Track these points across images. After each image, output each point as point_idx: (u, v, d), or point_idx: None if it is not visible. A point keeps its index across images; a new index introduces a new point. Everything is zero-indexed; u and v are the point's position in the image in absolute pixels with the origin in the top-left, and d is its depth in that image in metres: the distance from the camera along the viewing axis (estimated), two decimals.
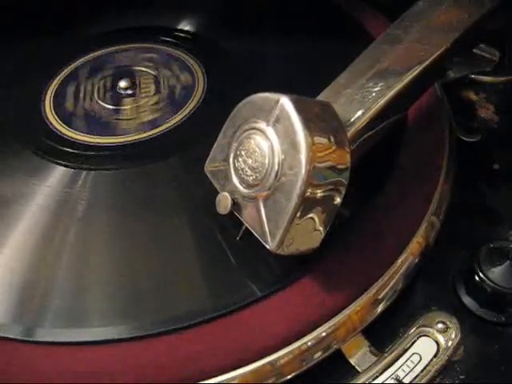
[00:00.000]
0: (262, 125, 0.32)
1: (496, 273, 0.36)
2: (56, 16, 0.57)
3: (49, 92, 0.48)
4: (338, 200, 0.32)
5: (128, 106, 0.46)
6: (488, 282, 0.36)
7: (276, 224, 0.31)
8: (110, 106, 0.46)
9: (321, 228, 0.32)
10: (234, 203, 0.34)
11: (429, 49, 0.37)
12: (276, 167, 0.31)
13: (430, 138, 0.42)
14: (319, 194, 0.31)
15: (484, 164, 0.45)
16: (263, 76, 0.47)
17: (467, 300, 0.37)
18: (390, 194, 0.39)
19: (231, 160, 0.34)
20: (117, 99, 0.46)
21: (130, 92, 0.47)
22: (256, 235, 0.33)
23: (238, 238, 0.36)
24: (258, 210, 0.32)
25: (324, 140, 0.31)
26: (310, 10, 0.53)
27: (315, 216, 0.31)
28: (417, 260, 0.37)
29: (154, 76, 0.48)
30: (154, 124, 0.44)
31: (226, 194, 0.34)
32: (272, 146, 0.31)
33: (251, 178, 0.32)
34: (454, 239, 0.40)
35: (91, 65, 0.50)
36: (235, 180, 0.34)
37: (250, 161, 0.33)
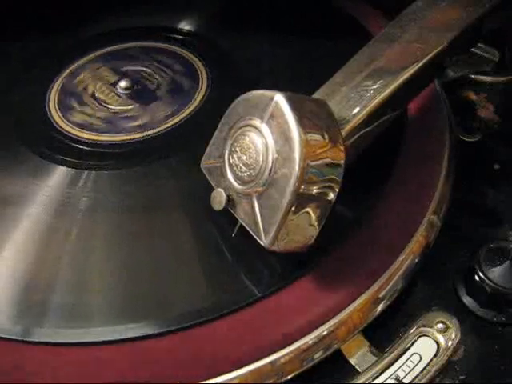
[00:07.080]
0: (256, 122, 0.32)
1: (496, 273, 0.36)
2: (57, 16, 0.57)
3: (53, 91, 0.48)
4: (331, 196, 0.32)
5: (129, 106, 0.46)
6: (488, 281, 0.36)
7: (270, 220, 0.31)
8: (112, 106, 0.46)
9: (315, 224, 0.32)
10: (229, 200, 0.34)
11: (426, 48, 0.37)
12: (270, 164, 0.31)
13: (430, 138, 0.42)
14: (313, 190, 0.31)
15: (484, 164, 0.45)
16: (264, 75, 0.47)
17: (467, 300, 0.37)
18: (389, 193, 0.39)
19: (226, 156, 0.34)
20: (118, 98, 0.47)
21: (131, 91, 0.47)
22: (250, 231, 0.33)
23: (232, 235, 0.36)
24: (253, 207, 0.32)
25: (318, 137, 0.31)
26: (308, 8, 0.53)
27: (309, 212, 0.31)
28: (417, 260, 0.37)
29: (156, 75, 0.48)
30: (155, 123, 0.44)
31: (221, 190, 0.34)
32: (266, 142, 0.32)
33: (246, 174, 0.33)
34: (454, 239, 0.40)
35: (93, 64, 0.51)
36: (230, 176, 0.34)
37: (244, 157, 0.33)
